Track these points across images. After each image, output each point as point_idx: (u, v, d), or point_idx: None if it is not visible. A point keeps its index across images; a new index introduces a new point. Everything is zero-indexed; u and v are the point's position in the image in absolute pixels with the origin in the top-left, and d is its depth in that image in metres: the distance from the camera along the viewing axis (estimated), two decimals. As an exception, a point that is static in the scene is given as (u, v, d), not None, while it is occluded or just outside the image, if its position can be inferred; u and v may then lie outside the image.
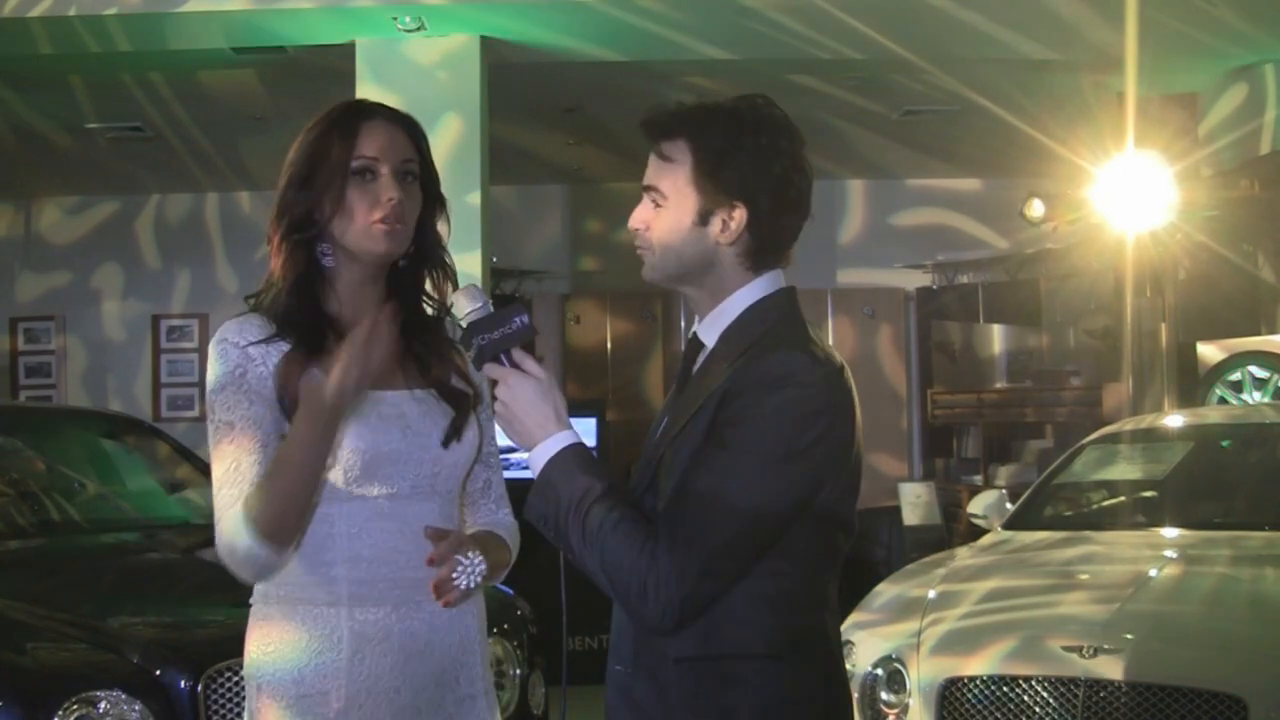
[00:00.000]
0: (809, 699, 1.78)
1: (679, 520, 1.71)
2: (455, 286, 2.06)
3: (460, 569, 1.91)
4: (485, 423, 2.08)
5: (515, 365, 1.81)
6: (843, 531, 1.83)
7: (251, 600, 2.01)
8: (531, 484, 1.80)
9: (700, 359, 1.88)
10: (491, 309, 1.84)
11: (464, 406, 2.04)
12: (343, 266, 2.00)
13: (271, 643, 1.94)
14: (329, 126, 1.98)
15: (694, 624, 1.73)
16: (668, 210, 1.83)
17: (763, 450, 1.71)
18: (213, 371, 1.94)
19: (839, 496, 1.79)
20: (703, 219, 1.81)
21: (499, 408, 1.81)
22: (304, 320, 1.96)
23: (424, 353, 2.05)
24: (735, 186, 1.79)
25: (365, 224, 1.95)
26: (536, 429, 1.79)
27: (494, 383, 1.82)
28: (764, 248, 1.83)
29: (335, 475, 1.92)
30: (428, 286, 2.09)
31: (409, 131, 2.01)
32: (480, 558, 1.93)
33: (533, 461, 1.79)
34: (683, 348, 2.03)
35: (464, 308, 1.85)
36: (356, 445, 1.92)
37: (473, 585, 1.93)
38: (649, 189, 1.85)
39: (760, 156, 1.79)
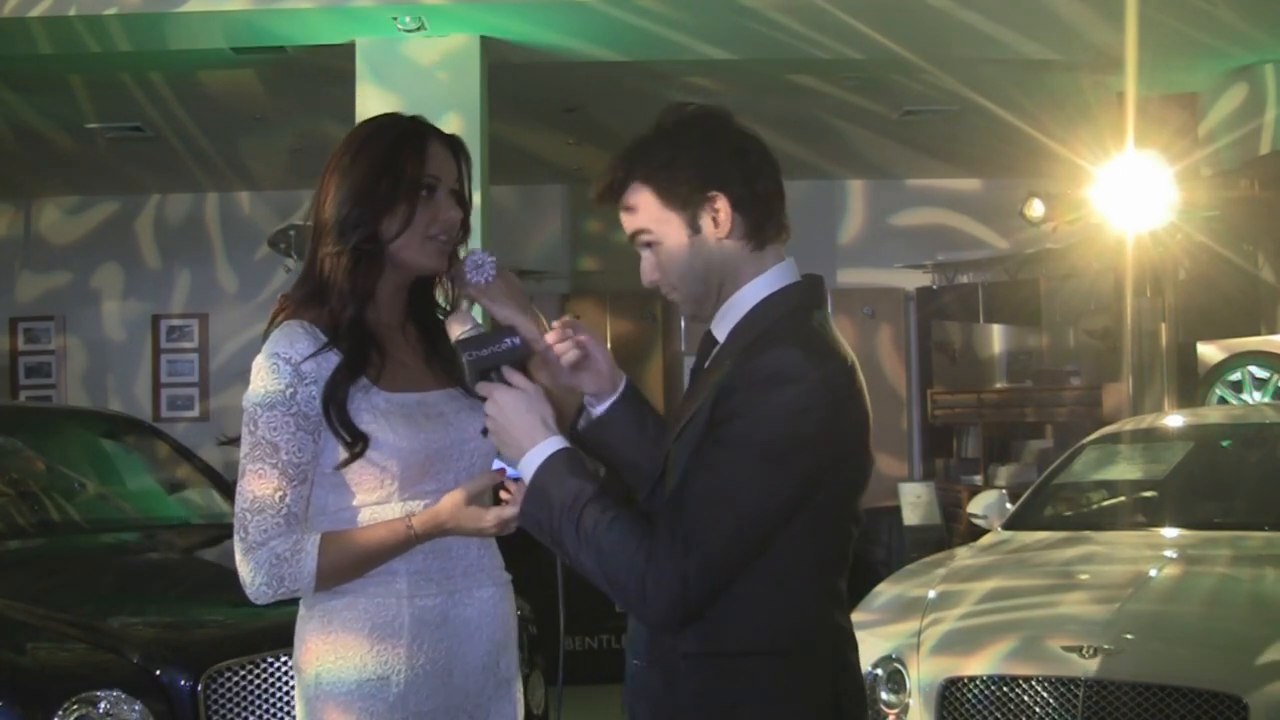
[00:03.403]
0: (814, 695, 1.79)
1: (676, 518, 1.72)
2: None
3: (469, 267, 2.07)
4: None
5: (503, 380, 1.85)
6: (849, 527, 1.84)
7: None
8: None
9: (711, 357, 1.90)
10: (481, 329, 1.93)
11: None
12: (387, 275, 2.07)
13: (333, 634, 2.00)
14: (396, 143, 2.03)
15: (699, 621, 1.74)
16: (664, 244, 1.85)
17: (756, 447, 1.71)
18: (262, 384, 1.98)
19: (841, 493, 1.80)
20: (694, 227, 1.84)
21: (489, 423, 1.84)
22: (359, 335, 2.02)
23: (448, 353, 2.13)
24: (701, 181, 1.82)
25: (423, 239, 2.04)
26: (525, 438, 1.81)
27: (484, 399, 1.85)
28: (758, 221, 1.85)
29: (394, 479, 2.00)
30: (438, 294, 2.19)
31: (455, 154, 2.10)
32: (485, 254, 2.08)
33: (523, 469, 1.81)
34: (683, 347, 2.05)
35: (455, 331, 1.95)
36: (413, 445, 2.00)
37: (487, 279, 2.06)
38: (635, 237, 1.88)
39: (700, 146, 1.82)
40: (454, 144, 2.10)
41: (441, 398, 2.08)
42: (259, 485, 1.96)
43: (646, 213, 1.85)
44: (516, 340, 1.87)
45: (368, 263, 2.02)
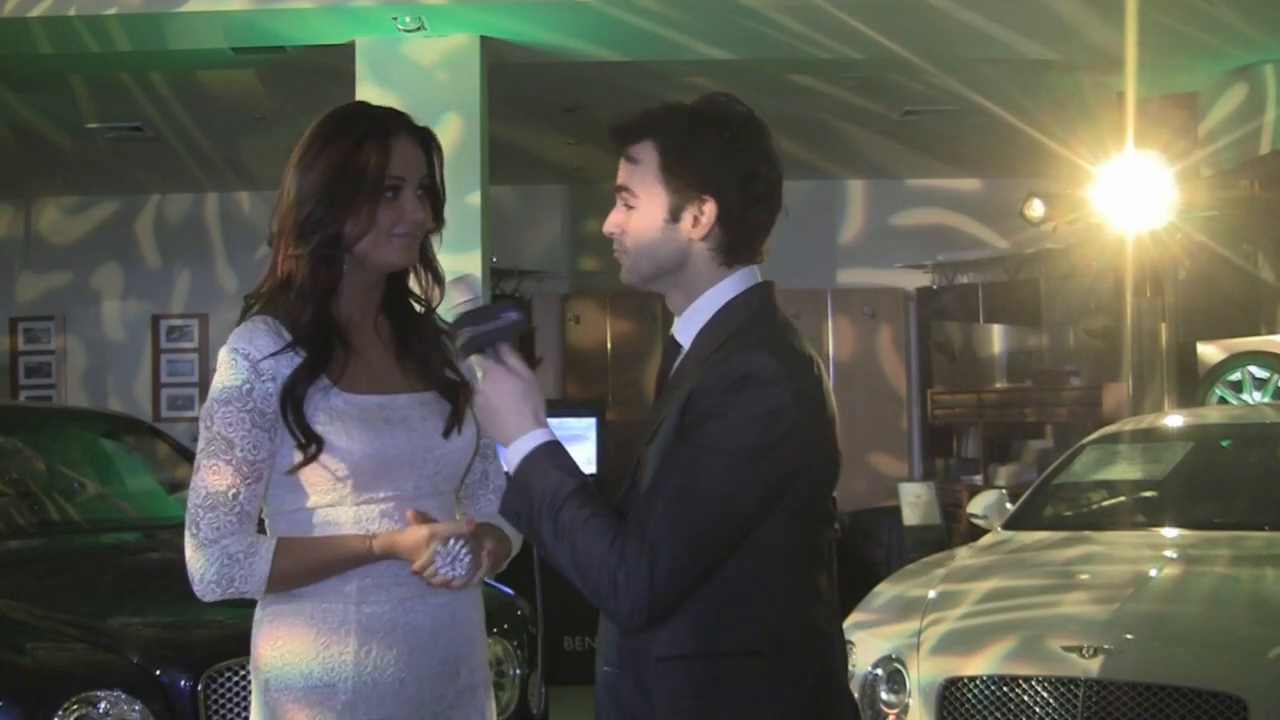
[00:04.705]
0: (792, 695, 1.78)
1: (647, 518, 1.72)
2: (444, 292, 2.10)
3: (440, 558, 1.92)
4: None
5: (501, 361, 1.83)
6: (822, 525, 1.84)
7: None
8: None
9: (677, 360, 1.90)
10: (480, 301, 1.86)
11: (461, 399, 2.07)
12: (351, 274, 2.02)
13: (280, 638, 1.97)
14: (359, 142, 1.97)
15: (673, 623, 1.75)
16: (640, 210, 1.86)
17: (727, 448, 1.72)
18: (221, 379, 1.95)
19: (812, 492, 1.80)
20: (674, 215, 1.84)
21: (479, 399, 1.84)
22: (321, 333, 1.97)
23: (422, 352, 2.08)
24: (702, 180, 1.82)
25: (385, 239, 1.99)
26: (513, 425, 1.81)
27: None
28: (736, 242, 1.85)
29: (345, 482, 1.96)
30: (413, 285, 2.12)
31: (425, 147, 2.04)
32: (463, 548, 1.93)
33: (508, 458, 1.81)
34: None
35: (455, 298, 1.88)
36: (367, 451, 1.95)
37: (456, 575, 1.92)
38: (620, 189, 1.88)
39: (725, 150, 1.82)
40: (423, 136, 2.04)
41: (408, 401, 2.02)
42: (213, 481, 1.92)
43: (640, 174, 1.85)
44: (517, 315, 1.85)
45: (327, 264, 1.98)
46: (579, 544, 1.72)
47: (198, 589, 1.94)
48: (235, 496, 1.93)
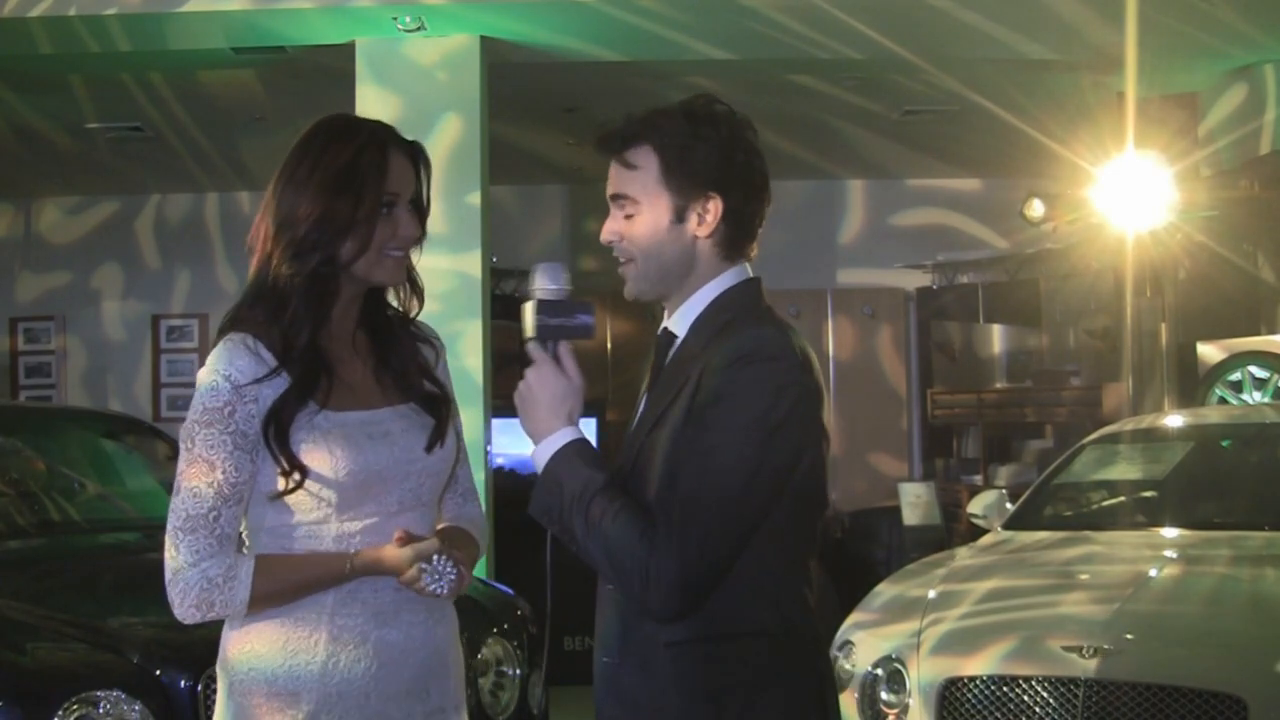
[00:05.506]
0: (799, 673, 1.81)
1: (672, 505, 1.73)
2: (422, 304, 2.10)
3: (428, 575, 1.92)
4: (454, 423, 2.11)
5: (556, 357, 1.85)
6: (817, 508, 1.86)
7: None
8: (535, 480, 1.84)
9: (672, 351, 1.91)
10: (567, 296, 1.88)
11: (443, 412, 2.06)
12: (342, 290, 2.01)
13: (249, 642, 1.96)
14: (355, 157, 1.94)
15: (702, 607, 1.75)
16: (643, 215, 1.87)
17: (743, 425, 1.73)
18: (201, 399, 1.92)
19: (810, 473, 1.81)
20: (679, 216, 1.86)
21: (522, 387, 1.85)
22: (312, 358, 1.95)
23: (400, 365, 2.07)
24: (706, 178, 1.84)
25: (380, 255, 1.98)
26: (546, 424, 1.83)
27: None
28: (739, 236, 1.88)
29: (330, 499, 1.94)
30: (391, 298, 2.11)
31: (414, 161, 2.03)
32: (449, 562, 1.92)
33: (537, 455, 1.83)
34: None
35: (539, 284, 1.88)
36: (351, 469, 1.93)
37: (442, 591, 1.92)
38: (617, 198, 1.88)
39: (722, 147, 1.84)
40: (414, 151, 2.03)
41: (389, 415, 2.01)
42: (194, 503, 1.91)
43: (641, 179, 1.86)
44: (589, 320, 1.86)
45: (323, 285, 1.95)
46: (610, 537, 1.74)
47: (177, 613, 1.94)
48: (216, 519, 1.91)
